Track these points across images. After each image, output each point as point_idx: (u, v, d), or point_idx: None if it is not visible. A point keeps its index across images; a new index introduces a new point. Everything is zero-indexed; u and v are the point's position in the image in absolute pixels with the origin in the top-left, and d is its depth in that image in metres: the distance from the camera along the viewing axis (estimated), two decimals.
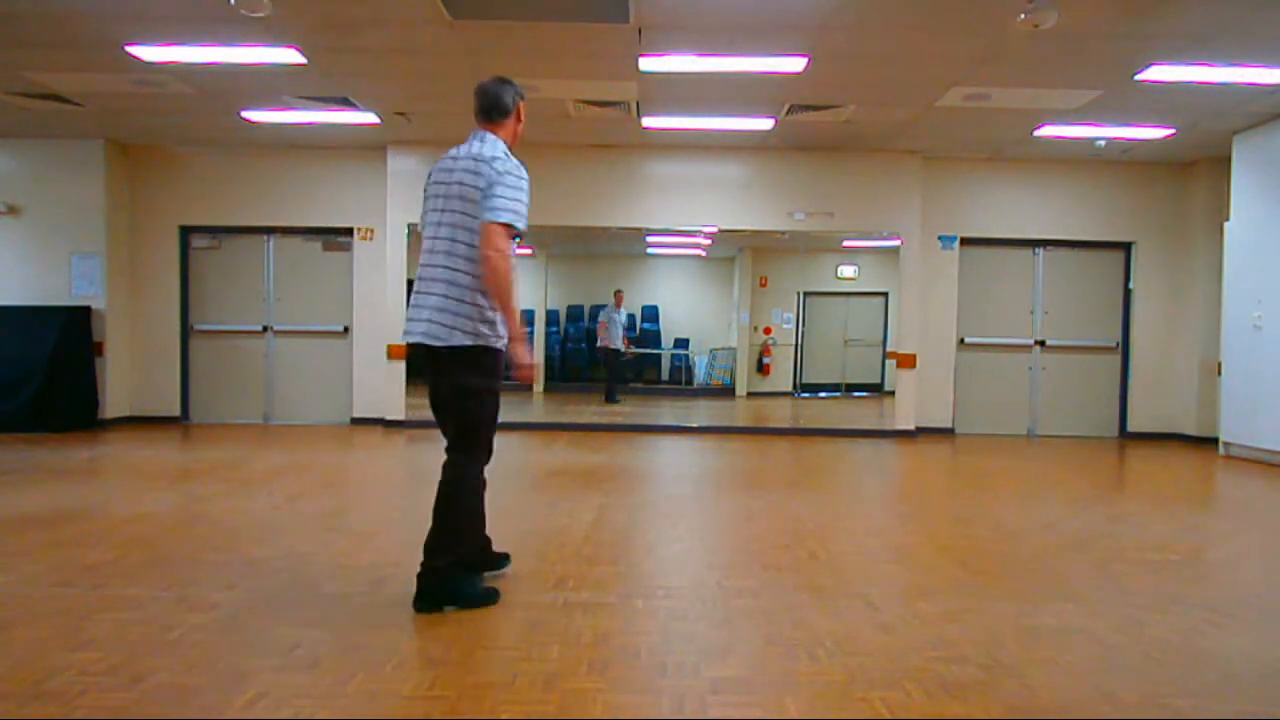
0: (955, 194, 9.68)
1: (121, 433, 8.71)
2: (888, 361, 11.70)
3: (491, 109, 3.32)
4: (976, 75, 6.69)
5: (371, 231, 9.59)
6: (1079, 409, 9.89)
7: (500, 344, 3.23)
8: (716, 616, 3.24)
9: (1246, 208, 8.13)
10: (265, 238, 9.78)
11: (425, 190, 3.35)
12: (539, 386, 14.06)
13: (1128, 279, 9.83)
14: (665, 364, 16.26)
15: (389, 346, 9.31)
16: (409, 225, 9.29)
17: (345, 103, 7.78)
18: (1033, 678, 2.70)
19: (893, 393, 9.91)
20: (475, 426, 3.25)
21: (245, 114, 8.13)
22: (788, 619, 3.22)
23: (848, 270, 14.50)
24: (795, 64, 6.47)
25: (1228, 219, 8.37)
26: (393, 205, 9.32)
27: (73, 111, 8.03)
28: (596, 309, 14.44)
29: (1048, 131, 8.31)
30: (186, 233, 9.71)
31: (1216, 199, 8.98)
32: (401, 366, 9.35)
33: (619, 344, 12.92)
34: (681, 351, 15.99)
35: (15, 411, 8.47)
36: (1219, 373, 8.58)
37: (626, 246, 14.50)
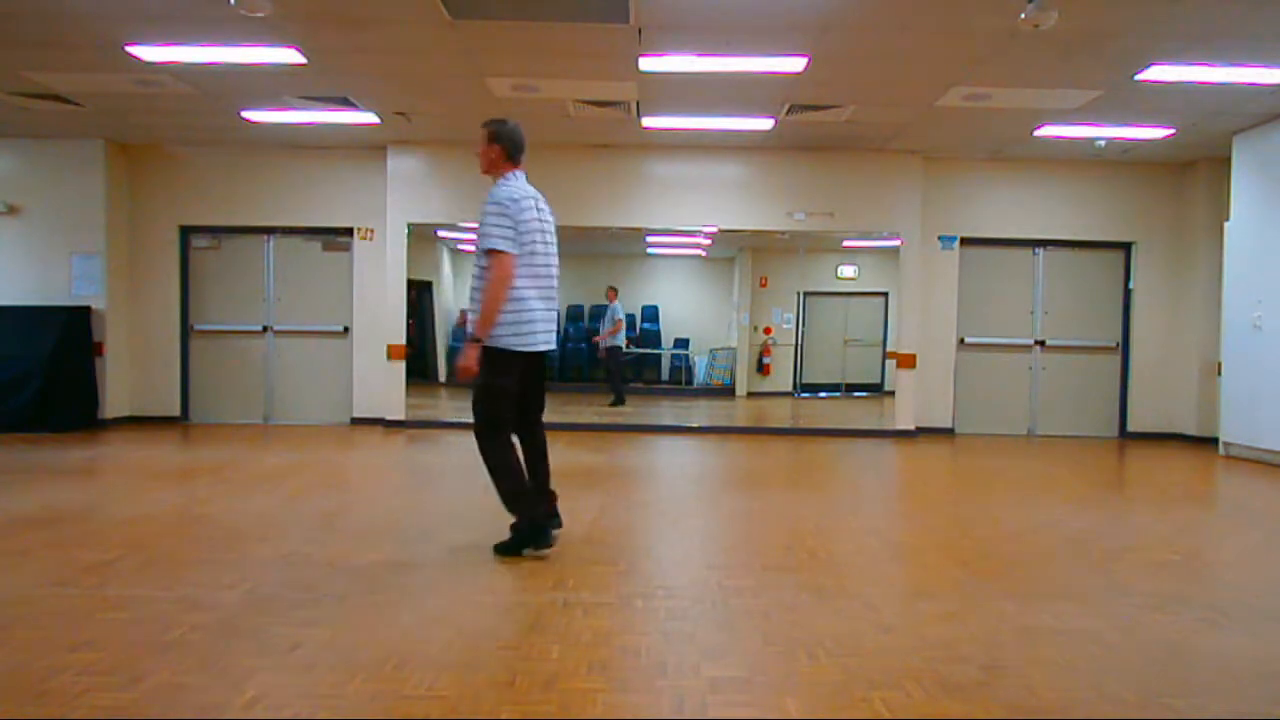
0: (955, 194, 9.67)
1: (121, 433, 8.71)
2: (888, 361, 11.68)
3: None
4: (976, 75, 6.69)
5: (371, 231, 9.58)
6: (1079, 409, 9.88)
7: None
8: (716, 616, 3.24)
9: (1247, 208, 8.13)
10: (265, 238, 9.78)
11: (524, 218, 3.88)
12: None
13: (1128, 279, 9.83)
14: (665, 364, 16.24)
15: (389, 346, 9.30)
16: (409, 225, 9.30)
17: (345, 103, 7.78)
18: (1033, 678, 2.70)
19: (893, 393, 9.90)
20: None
21: (245, 114, 8.13)
22: (787, 619, 3.22)
23: (848, 270, 14.48)
24: (795, 64, 6.46)
25: (1228, 219, 8.37)
26: (393, 205, 9.32)
27: (73, 111, 8.03)
28: (596, 309, 14.39)
29: (1048, 131, 8.30)
30: (186, 233, 9.71)
31: (1216, 199, 8.97)
32: (401, 366, 9.32)
33: (621, 341, 12.80)
34: (681, 351, 15.97)
35: (15, 411, 8.46)
36: (1219, 373, 8.58)
37: (626, 246, 14.47)
